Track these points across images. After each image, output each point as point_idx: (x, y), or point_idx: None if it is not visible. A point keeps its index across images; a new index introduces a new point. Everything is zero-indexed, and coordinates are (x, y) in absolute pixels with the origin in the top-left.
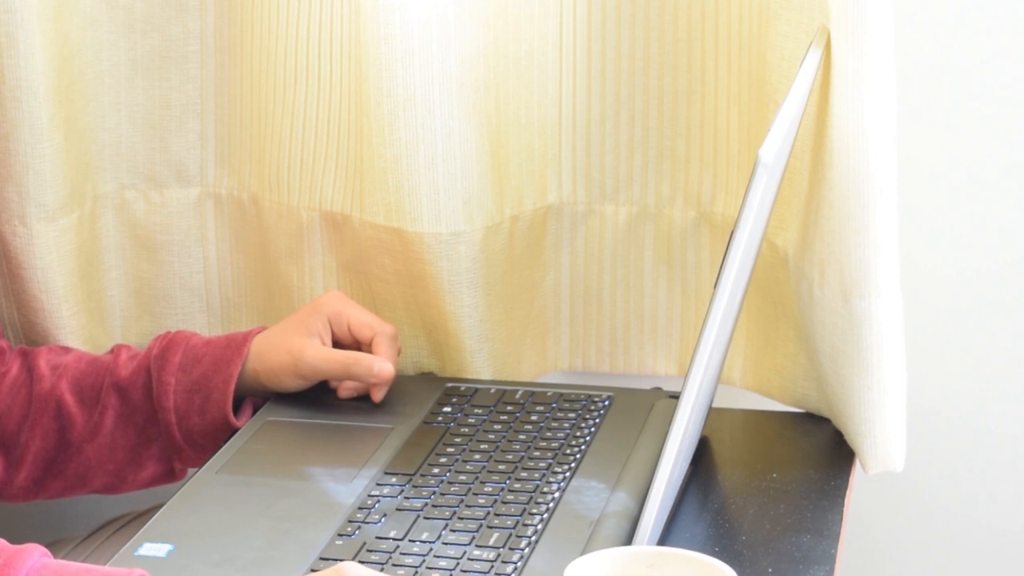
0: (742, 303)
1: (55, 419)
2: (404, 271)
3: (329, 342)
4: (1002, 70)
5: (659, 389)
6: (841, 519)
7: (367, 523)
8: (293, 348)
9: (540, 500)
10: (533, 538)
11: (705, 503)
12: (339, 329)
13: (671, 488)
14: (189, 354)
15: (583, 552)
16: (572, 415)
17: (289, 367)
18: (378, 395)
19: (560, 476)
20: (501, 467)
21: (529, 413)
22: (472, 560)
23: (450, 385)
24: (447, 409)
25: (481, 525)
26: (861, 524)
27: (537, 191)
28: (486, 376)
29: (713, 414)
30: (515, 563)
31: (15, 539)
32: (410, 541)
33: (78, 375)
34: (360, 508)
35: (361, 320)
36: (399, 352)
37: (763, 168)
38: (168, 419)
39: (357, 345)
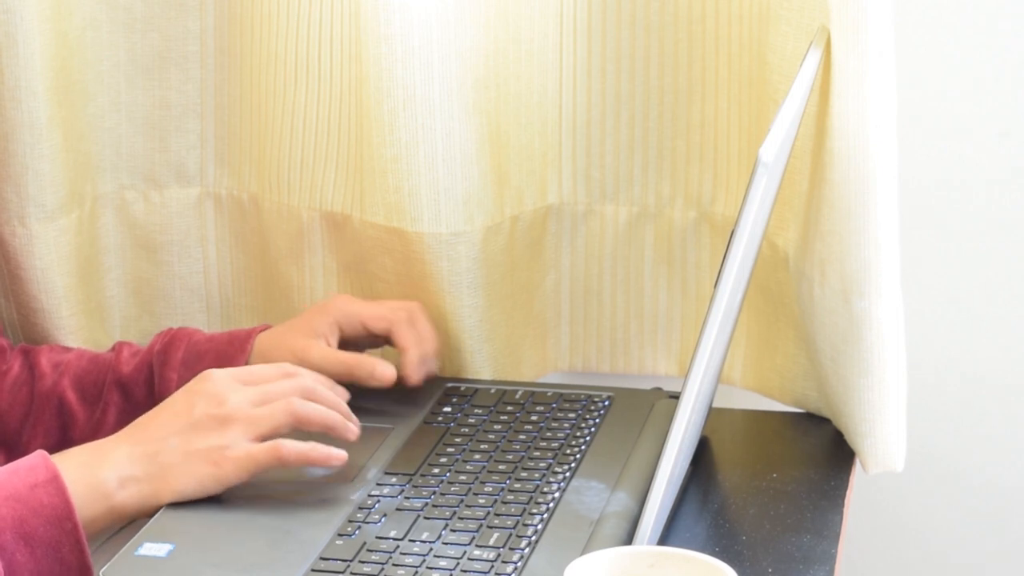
0: (742, 303)
1: (57, 417)
2: (404, 271)
3: (335, 344)
4: (1002, 70)
5: (659, 389)
6: (841, 519)
7: (367, 523)
8: (297, 348)
9: (540, 500)
10: (533, 538)
11: (705, 503)
12: (353, 330)
13: (671, 488)
14: (192, 350)
15: (583, 552)
16: (572, 415)
17: None
18: (415, 377)
19: (560, 476)
20: (501, 467)
21: (529, 413)
22: (472, 560)
23: (450, 385)
24: (447, 409)
25: (481, 525)
26: (861, 524)
27: (537, 191)
28: (486, 376)
29: (713, 414)
30: (515, 563)
31: None
32: (410, 541)
33: (80, 372)
34: (360, 508)
35: (374, 315)
36: (430, 327)
37: (763, 168)
38: None
39: (379, 343)
